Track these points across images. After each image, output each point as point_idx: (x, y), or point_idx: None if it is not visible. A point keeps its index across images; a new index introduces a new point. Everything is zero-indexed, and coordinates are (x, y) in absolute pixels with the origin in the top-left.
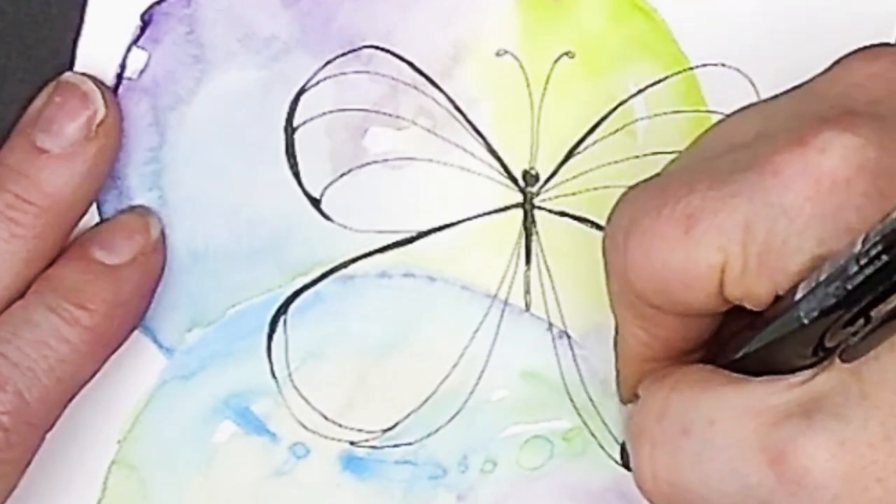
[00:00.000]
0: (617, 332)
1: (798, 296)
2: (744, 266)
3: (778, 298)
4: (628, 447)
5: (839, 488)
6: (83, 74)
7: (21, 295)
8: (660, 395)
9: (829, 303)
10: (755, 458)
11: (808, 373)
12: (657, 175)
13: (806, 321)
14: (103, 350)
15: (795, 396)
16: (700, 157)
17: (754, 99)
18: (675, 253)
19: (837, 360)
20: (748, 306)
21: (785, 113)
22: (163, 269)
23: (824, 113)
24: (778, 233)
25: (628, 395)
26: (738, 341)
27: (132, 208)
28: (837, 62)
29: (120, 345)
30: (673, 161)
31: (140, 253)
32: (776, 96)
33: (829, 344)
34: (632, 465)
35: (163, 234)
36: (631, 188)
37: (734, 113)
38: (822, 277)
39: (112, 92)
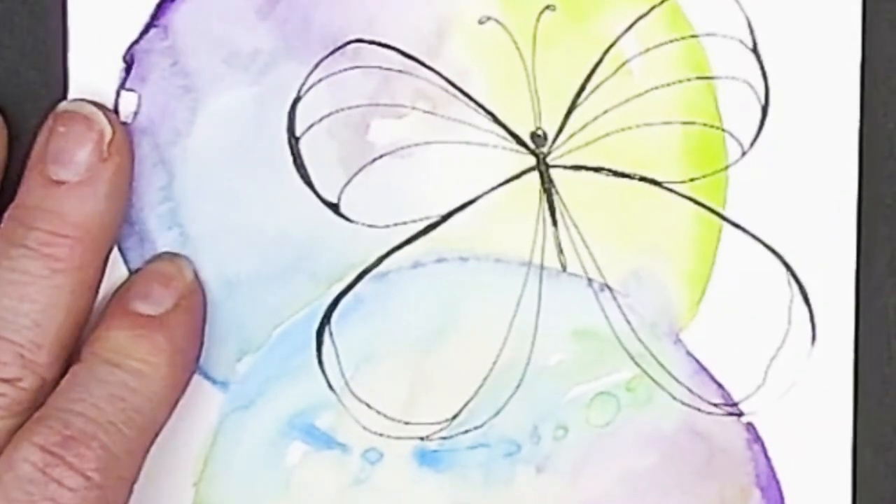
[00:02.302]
0: None
1: None
2: None
3: None
4: None
5: None
6: (80, 99)
7: (74, 332)
8: None
9: None
10: None
11: None
12: None
13: None
14: (174, 395)
15: None
16: None
17: (740, 16)
18: None
19: None
20: None
21: None
22: (206, 307)
23: None
24: None
25: None
26: None
27: (160, 256)
28: None
29: (185, 387)
30: None
31: (181, 297)
32: None
33: None
34: None
35: (196, 272)
36: None
37: None
38: None
39: (112, 110)
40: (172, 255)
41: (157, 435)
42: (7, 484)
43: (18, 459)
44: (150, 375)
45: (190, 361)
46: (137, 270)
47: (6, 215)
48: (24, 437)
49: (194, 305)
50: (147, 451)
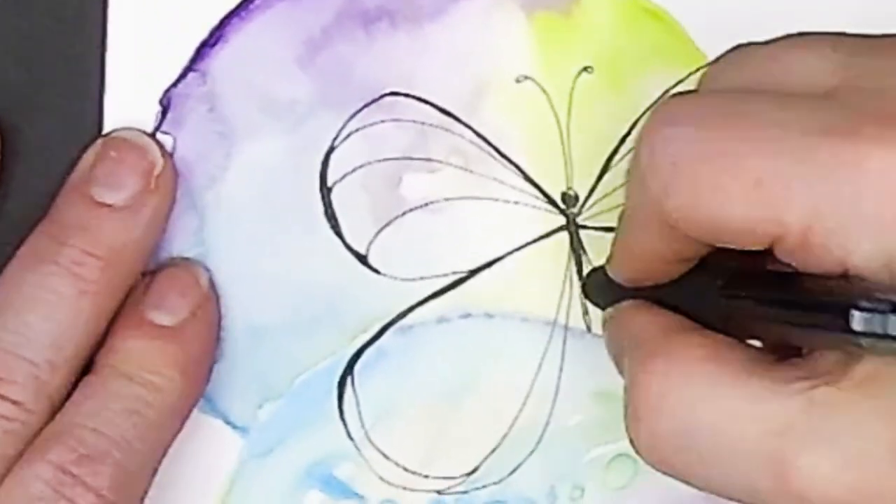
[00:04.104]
0: (623, 217)
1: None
2: (801, 245)
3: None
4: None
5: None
6: (133, 129)
7: (88, 354)
8: (656, 382)
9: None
10: (760, 468)
11: (812, 381)
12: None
13: (857, 328)
14: (187, 408)
15: (800, 404)
16: (748, 87)
17: None
18: (733, 210)
19: (853, 368)
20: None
21: (864, 71)
22: (220, 316)
23: None
24: (849, 229)
25: (621, 273)
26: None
27: (175, 262)
28: None
29: (199, 399)
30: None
31: (197, 306)
32: (841, 35)
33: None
34: (629, 434)
35: (211, 281)
36: (670, 105)
37: (783, 40)
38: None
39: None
40: (188, 262)
41: (167, 449)
42: (18, 502)
43: (31, 476)
44: (165, 388)
45: (204, 373)
46: (152, 273)
47: (37, 230)
48: (37, 454)
49: (210, 314)
50: (158, 466)
